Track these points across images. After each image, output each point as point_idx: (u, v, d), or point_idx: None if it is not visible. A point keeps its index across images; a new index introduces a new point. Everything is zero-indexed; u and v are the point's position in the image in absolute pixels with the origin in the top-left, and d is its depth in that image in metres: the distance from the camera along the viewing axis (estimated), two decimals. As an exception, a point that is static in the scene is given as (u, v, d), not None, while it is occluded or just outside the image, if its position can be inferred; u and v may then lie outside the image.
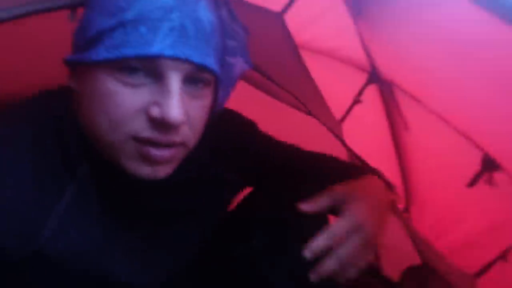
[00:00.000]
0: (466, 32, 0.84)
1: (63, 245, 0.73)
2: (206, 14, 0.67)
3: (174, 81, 0.64)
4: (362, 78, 1.20)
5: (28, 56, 1.09)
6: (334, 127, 1.13)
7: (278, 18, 1.09)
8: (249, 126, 0.99)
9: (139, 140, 0.66)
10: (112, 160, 0.70)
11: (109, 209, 0.78)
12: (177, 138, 0.68)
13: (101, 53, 0.64)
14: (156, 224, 0.85)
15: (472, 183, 1.03)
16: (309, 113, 1.05)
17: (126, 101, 0.65)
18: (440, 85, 1.01)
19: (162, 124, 0.65)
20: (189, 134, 0.70)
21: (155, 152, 0.67)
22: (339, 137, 1.04)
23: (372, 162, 1.05)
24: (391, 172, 1.27)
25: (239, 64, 0.79)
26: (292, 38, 1.07)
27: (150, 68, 0.65)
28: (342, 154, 1.16)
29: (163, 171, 0.71)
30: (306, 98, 1.05)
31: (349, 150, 1.05)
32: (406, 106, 1.16)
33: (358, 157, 1.05)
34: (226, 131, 0.92)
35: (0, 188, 0.68)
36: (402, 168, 1.29)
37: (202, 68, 0.67)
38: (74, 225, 0.74)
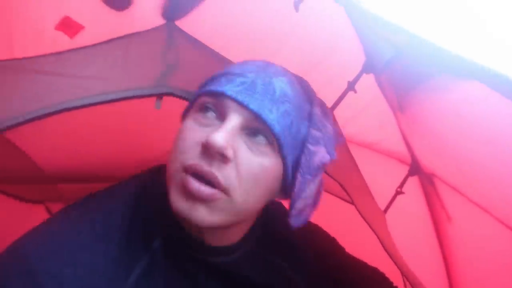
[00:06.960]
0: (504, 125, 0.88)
1: None
2: (280, 85, 0.77)
3: (231, 119, 0.73)
4: (403, 170, 1.23)
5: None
6: (378, 218, 1.16)
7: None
8: (331, 241, 1.07)
9: (186, 169, 0.71)
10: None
11: (177, 285, 0.79)
12: (219, 175, 0.71)
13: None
14: None
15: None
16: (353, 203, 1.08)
17: (191, 135, 0.74)
18: (479, 176, 1.02)
19: (205, 148, 0.70)
20: (234, 182, 0.72)
21: (194, 183, 0.70)
22: (375, 232, 1.06)
23: (415, 253, 1.04)
24: (434, 263, 1.27)
25: (320, 153, 0.81)
26: (342, 132, 1.12)
27: (218, 108, 0.74)
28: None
29: (200, 213, 0.71)
30: (353, 190, 1.09)
31: (385, 248, 1.06)
32: (448, 197, 1.17)
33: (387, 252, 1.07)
34: (308, 241, 1.00)
35: (79, 263, 0.71)
36: (445, 259, 1.28)
37: (258, 118, 0.73)
38: None
